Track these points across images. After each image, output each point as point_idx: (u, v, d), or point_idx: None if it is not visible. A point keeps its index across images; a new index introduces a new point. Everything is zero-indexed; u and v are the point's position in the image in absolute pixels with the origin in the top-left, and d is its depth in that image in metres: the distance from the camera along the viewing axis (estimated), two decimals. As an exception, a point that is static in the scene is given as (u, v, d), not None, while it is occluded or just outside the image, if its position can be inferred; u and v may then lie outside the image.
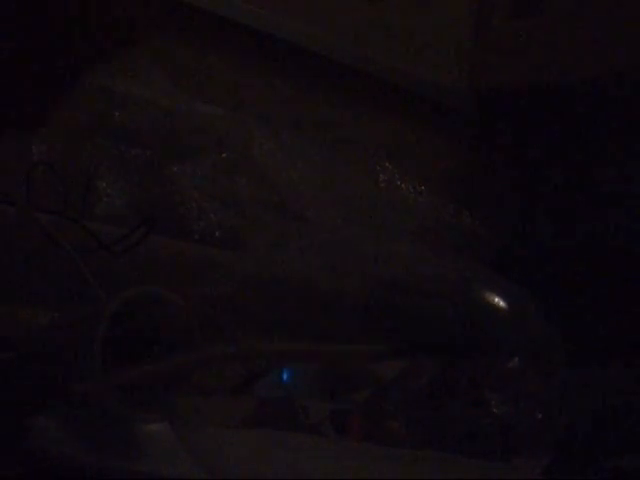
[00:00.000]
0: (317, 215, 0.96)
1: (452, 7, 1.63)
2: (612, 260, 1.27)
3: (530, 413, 0.61)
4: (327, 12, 1.45)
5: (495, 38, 1.63)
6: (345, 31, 1.47)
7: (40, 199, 0.85)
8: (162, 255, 0.89)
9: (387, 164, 1.07)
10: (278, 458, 0.58)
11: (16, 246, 0.85)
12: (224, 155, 1.04)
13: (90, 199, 0.95)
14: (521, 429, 0.60)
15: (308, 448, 0.58)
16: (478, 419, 0.58)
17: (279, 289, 0.64)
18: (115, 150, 0.99)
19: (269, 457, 0.58)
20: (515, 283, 0.65)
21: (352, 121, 1.48)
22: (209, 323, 0.64)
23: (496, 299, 0.62)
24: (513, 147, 1.64)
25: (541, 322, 0.64)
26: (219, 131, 1.07)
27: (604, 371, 0.97)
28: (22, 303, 0.82)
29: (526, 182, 1.60)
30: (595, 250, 1.30)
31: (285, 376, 0.60)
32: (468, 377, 0.59)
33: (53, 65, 0.41)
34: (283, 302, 0.63)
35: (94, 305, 0.76)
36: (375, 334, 0.61)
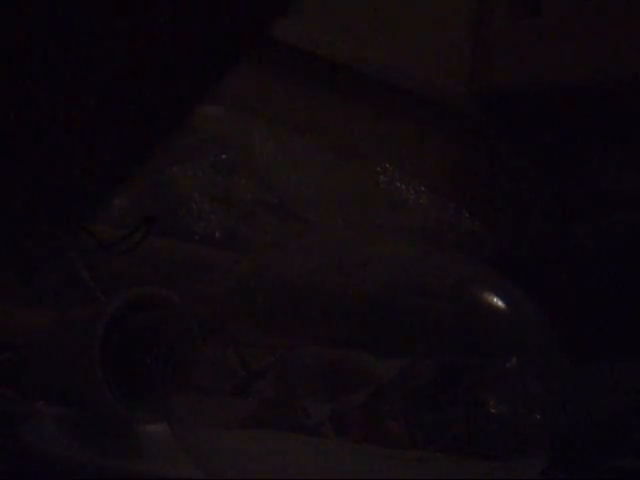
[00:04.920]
0: (317, 216, 0.96)
1: (452, 7, 1.63)
2: (612, 260, 1.27)
3: (529, 413, 0.61)
4: (327, 13, 1.45)
5: (495, 38, 1.64)
6: (345, 32, 1.47)
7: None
8: (162, 255, 0.89)
9: (387, 165, 1.07)
10: (278, 459, 0.58)
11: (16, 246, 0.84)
12: (224, 156, 1.04)
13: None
14: (520, 429, 0.60)
15: (308, 448, 0.58)
16: (478, 419, 0.58)
17: (279, 289, 0.64)
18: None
19: (268, 458, 0.58)
20: (515, 283, 0.65)
21: (352, 122, 1.48)
22: (209, 323, 0.64)
23: (496, 299, 0.62)
24: (513, 147, 1.64)
25: (541, 322, 0.64)
26: (219, 132, 1.07)
27: (604, 371, 0.97)
28: (22, 303, 0.82)
29: (526, 182, 1.60)
30: (595, 250, 1.30)
31: (285, 377, 0.60)
32: (468, 377, 0.59)
33: None
34: (283, 302, 0.63)
35: (94, 305, 0.76)
36: (375, 334, 0.61)
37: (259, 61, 1.37)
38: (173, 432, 0.62)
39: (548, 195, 1.57)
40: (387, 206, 0.96)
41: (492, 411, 0.59)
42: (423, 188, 1.00)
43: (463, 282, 0.65)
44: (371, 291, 0.62)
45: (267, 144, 1.01)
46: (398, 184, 0.99)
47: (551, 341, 0.63)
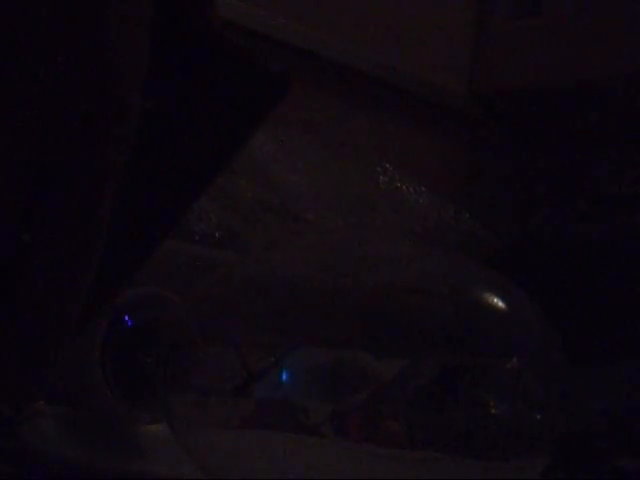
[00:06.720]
0: (317, 216, 0.95)
1: (452, 7, 1.63)
2: (612, 260, 1.27)
3: (529, 413, 0.60)
4: (326, 12, 1.45)
5: (495, 38, 1.64)
6: (345, 31, 1.47)
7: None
8: (162, 255, 0.88)
9: (387, 165, 1.07)
10: (277, 459, 0.58)
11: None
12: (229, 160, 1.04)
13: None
14: (520, 430, 0.60)
15: (308, 449, 0.58)
16: (478, 419, 0.58)
17: (279, 289, 0.64)
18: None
19: (268, 458, 0.58)
20: (515, 283, 0.65)
21: (352, 122, 1.48)
22: (209, 323, 0.64)
23: (496, 299, 0.62)
24: (513, 147, 1.64)
25: (541, 322, 0.63)
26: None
27: (604, 371, 0.97)
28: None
29: (526, 182, 1.60)
30: (595, 250, 1.30)
31: (285, 377, 0.60)
32: (468, 377, 0.59)
33: None
34: (283, 302, 0.63)
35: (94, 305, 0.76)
36: (375, 334, 0.61)
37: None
38: (173, 432, 0.62)
39: (548, 195, 1.57)
40: (387, 206, 0.96)
41: (492, 411, 0.59)
42: (423, 188, 1.00)
43: (463, 282, 0.65)
44: (371, 291, 0.62)
45: (267, 144, 1.01)
46: (398, 184, 0.99)
47: (551, 341, 0.63)
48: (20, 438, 0.62)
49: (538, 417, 0.61)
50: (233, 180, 1.00)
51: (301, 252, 0.69)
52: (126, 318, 0.70)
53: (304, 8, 1.42)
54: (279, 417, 0.60)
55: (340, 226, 0.91)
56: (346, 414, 0.59)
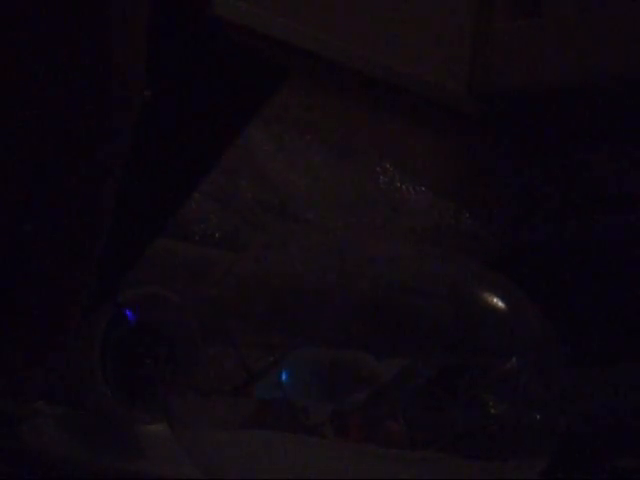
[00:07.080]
0: (317, 216, 0.96)
1: (452, 7, 1.63)
2: (612, 260, 1.27)
3: (529, 413, 0.61)
4: (326, 12, 1.45)
5: (495, 38, 1.64)
6: (344, 31, 1.47)
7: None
8: (162, 255, 0.89)
9: (387, 165, 1.07)
10: (277, 459, 0.58)
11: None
12: (224, 156, 1.04)
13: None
14: (520, 430, 0.60)
15: (308, 449, 0.58)
16: (477, 419, 0.58)
17: (279, 289, 0.64)
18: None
19: (268, 458, 0.58)
20: (514, 283, 0.65)
21: (352, 122, 1.48)
22: (209, 323, 0.64)
23: (495, 299, 0.62)
24: (513, 147, 1.64)
25: (541, 322, 0.63)
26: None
27: (604, 371, 0.97)
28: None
29: (526, 182, 1.60)
30: (595, 250, 1.30)
31: (284, 377, 0.60)
32: (468, 377, 0.59)
33: None
34: (283, 302, 0.63)
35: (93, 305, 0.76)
36: (374, 334, 0.61)
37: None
38: (173, 432, 0.62)
39: (548, 195, 1.57)
40: (387, 206, 0.96)
41: (492, 411, 0.59)
42: (423, 188, 1.00)
43: (463, 282, 0.65)
44: (371, 291, 0.62)
45: (267, 144, 1.01)
46: (398, 184, 0.99)
47: (551, 341, 0.63)
48: (20, 438, 0.62)
49: (538, 417, 0.61)
50: (233, 180, 1.00)
51: (301, 252, 0.69)
52: (127, 315, 0.70)
53: (304, 8, 1.42)
54: (279, 417, 0.60)
55: (340, 226, 0.91)
56: (346, 414, 0.59)
